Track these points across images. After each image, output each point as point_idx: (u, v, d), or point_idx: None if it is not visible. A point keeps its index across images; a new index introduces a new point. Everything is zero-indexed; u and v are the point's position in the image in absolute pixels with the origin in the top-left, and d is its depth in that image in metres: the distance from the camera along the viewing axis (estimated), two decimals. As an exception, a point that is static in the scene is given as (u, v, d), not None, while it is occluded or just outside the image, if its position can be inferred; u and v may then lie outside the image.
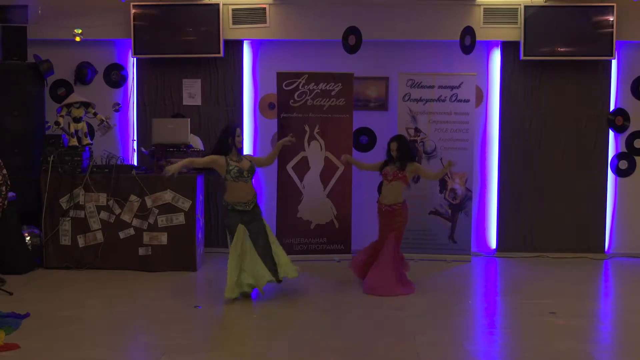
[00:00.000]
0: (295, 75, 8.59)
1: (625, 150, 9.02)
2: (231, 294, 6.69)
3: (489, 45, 9.00)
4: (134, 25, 8.72)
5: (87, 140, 8.18)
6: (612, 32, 8.56)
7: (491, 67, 9.06)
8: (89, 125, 8.47)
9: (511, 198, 9.00)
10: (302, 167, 8.62)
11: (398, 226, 7.23)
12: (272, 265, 6.91)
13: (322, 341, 5.56)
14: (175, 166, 6.59)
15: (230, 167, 6.77)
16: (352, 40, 8.57)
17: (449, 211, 8.68)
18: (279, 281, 6.95)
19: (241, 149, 7.00)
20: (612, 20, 8.55)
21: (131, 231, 7.92)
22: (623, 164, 9.02)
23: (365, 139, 9.10)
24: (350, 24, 8.57)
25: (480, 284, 8.00)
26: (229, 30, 8.78)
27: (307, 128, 8.59)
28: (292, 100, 8.57)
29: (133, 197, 7.89)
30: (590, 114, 8.95)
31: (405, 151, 7.26)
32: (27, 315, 6.05)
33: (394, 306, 6.61)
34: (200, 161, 6.90)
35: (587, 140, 8.97)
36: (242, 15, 8.77)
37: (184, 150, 7.98)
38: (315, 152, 8.63)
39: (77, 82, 9.06)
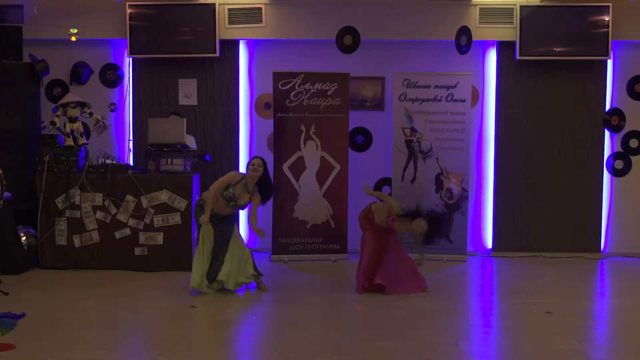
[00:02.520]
0: (291, 75, 8.59)
1: (620, 150, 9.04)
2: (195, 284, 6.93)
3: (484, 45, 9.01)
4: (130, 25, 8.71)
5: (82, 140, 8.17)
6: (607, 32, 8.57)
7: (487, 66, 9.07)
8: (85, 125, 8.45)
9: (507, 198, 9.01)
10: (298, 167, 8.62)
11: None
12: (217, 267, 6.97)
13: (319, 341, 5.56)
14: (206, 215, 6.73)
15: (227, 192, 6.81)
16: (348, 40, 8.57)
17: (445, 211, 8.68)
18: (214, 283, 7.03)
19: (258, 185, 6.91)
20: (608, 20, 8.56)
21: (127, 231, 7.91)
22: (619, 164, 9.04)
23: (361, 139, 9.11)
24: (346, 23, 8.58)
25: (476, 283, 8.00)
26: (224, 30, 8.77)
27: (303, 128, 8.59)
28: (288, 100, 8.57)
29: (129, 197, 7.88)
30: (586, 114, 8.96)
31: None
32: (22, 315, 6.03)
33: (391, 306, 6.61)
34: (214, 186, 6.84)
35: (583, 140, 8.98)
36: (238, 15, 8.76)
37: (180, 150, 7.97)
38: (311, 152, 8.63)
39: (73, 82, 9.05)
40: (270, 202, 8.59)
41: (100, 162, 8.03)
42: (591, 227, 9.00)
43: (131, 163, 8.92)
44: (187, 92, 9.06)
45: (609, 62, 8.90)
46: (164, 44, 8.77)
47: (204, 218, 6.70)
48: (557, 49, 8.70)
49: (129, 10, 8.70)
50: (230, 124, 9.04)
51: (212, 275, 6.93)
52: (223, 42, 8.86)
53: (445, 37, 8.61)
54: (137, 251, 7.91)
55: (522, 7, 8.62)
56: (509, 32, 8.71)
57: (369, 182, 9.02)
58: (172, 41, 8.77)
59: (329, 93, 8.60)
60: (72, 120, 8.09)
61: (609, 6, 8.56)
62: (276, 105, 8.59)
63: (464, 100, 8.64)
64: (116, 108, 9.05)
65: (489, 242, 9.12)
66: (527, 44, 8.65)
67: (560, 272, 8.19)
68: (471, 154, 8.89)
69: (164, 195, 7.88)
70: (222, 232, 7.00)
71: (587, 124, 8.97)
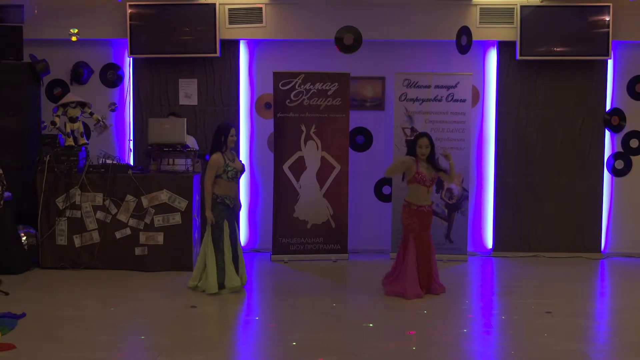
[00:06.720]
0: (291, 75, 8.59)
1: (621, 150, 9.04)
2: (213, 289, 6.92)
3: (485, 45, 9.01)
4: (130, 25, 8.71)
5: (83, 140, 8.17)
6: (608, 32, 8.57)
7: (487, 66, 9.07)
8: (85, 125, 8.46)
9: (507, 198, 9.01)
10: (299, 167, 8.62)
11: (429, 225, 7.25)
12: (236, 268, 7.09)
13: (319, 340, 5.56)
14: (208, 210, 6.98)
15: (229, 169, 6.96)
16: (348, 40, 8.57)
17: (446, 211, 8.69)
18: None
19: (235, 149, 7.10)
20: (608, 20, 8.56)
21: (127, 231, 7.91)
22: (619, 164, 9.04)
23: (361, 139, 9.11)
24: (346, 23, 8.57)
25: (477, 283, 8.00)
26: (225, 30, 8.77)
27: (303, 128, 8.59)
28: (288, 100, 8.57)
29: (129, 197, 7.88)
30: (586, 114, 8.96)
31: (434, 149, 7.12)
32: (23, 315, 6.04)
33: (391, 306, 6.62)
34: (208, 182, 6.96)
35: (583, 140, 8.98)
36: (238, 15, 8.76)
37: (180, 150, 7.97)
38: (311, 152, 8.63)
39: (73, 81, 9.05)
40: (270, 202, 8.66)
41: (100, 162, 8.03)
42: (591, 227, 9.00)
43: (131, 163, 8.92)
44: (188, 92, 9.06)
45: (609, 62, 8.90)
46: (164, 44, 8.77)
47: (209, 215, 6.92)
48: (558, 49, 8.69)
49: (129, 10, 8.70)
50: (231, 124, 9.05)
51: (230, 282, 6.99)
52: (223, 42, 8.86)
53: (445, 37, 8.60)
54: (138, 251, 7.91)
55: (522, 7, 8.62)
56: (509, 32, 8.71)
57: (369, 182, 9.05)
58: (172, 41, 8.77)
59: (329, 93, 8.60)
60: (73, 120, 8.09)
61: (609, 6, 8.56)
62: (276, 105, 8.59)
63: (464, 100, 8.65)
64: (116, 108, 9.06)
65: (489, 242, 9.12)
66: (528, 44, 8.65)
67: (560, 272, 8.19)
68: (471, 154, 8.89)
69: (164, 195, 7.88)
70: (234, 229, 7.12)
71: (587, 124, 8.97)
